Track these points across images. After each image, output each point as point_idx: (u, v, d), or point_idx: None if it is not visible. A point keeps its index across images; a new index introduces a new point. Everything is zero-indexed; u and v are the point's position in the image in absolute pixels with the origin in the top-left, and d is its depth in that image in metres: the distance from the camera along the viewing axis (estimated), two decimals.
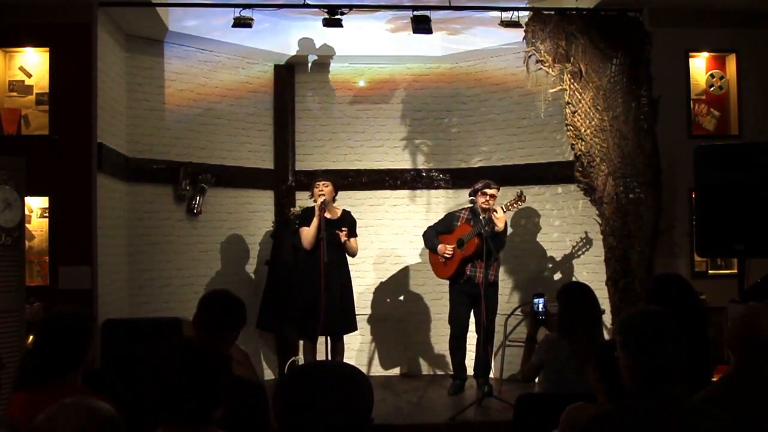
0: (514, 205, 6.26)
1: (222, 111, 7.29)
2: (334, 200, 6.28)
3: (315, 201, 6.13)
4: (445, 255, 6.29)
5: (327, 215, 6.09)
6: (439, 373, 7.41)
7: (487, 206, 6.16)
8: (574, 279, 6.79)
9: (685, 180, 5.85)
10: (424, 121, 7.79)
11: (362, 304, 7.31)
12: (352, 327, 6.37)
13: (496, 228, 6.06)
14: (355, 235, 6.30)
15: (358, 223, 6.38)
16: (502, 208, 6.14)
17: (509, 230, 6.72)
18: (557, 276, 7.04)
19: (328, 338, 6.10)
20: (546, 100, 6.35)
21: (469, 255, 6.17)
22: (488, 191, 6.19)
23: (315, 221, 6.06)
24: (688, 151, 5.46)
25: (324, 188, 6.15)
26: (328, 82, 7.79)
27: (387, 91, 7.80)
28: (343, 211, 6.34)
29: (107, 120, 6.00)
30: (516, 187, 6.47)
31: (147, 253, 6.67)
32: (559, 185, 7.06)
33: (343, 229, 6.10)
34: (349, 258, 6.34)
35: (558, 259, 7.06)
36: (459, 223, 6.41)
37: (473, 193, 6.27)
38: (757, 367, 2.73)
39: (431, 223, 6.72)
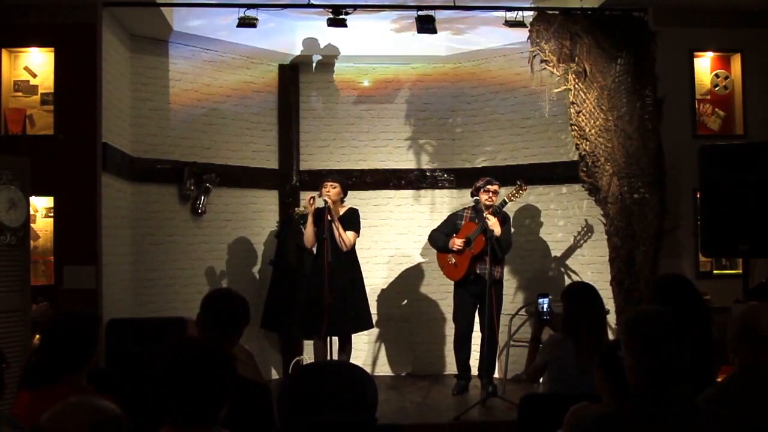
0: (516, 195, 6.26)
1: (226, 111, 7.30)
2: (342, 201, 6.28)
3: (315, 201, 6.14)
4: (455, 247, 6.28)
5: (328, 217, 6.06)
6: (444, 373, 7.41)
7: (490, 203, 6.17)
8: (578, 279, 6.78)
9: (689, 180, 5.84)
10: (429, 120, 7.79)
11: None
12: (362, 326, 6.35)
13: (494, 234, 6.05)
14: (354, 230, 6.22)
15: (363, 223, 6.36)
16: (494, 213, 6.13)
17: (512, 229, 6.70)
18: (562, 276, 7.03)
19: (335, 338, 6.12)
20: (550, 99, 6.36)
21: (478, 253, 6.16)
22: (490, 188, 6.20)
23: (310, 219, 6.11)
24: (692, 151, 5.45)
25: (331, 189, 6.15)
26: (332, 82, 7.78)
27: (391, 90, 7.80)
28: (348, 208, 6.32)
29: (112, 120, 6.01)
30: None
31: (151, 252, 6.68)
32: (563, 185, 7.05)
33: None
34: (358, 258, 6.34)
35: (562, 259, 7.05)
36: (464, 222, 6.42)
37: (475, 191, 6.28)
38: (759, 367, 2.72)
39: (434, 225, 6.72)
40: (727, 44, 6.39)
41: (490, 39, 7.28)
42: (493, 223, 6.07)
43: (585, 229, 6.86)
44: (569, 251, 7.01)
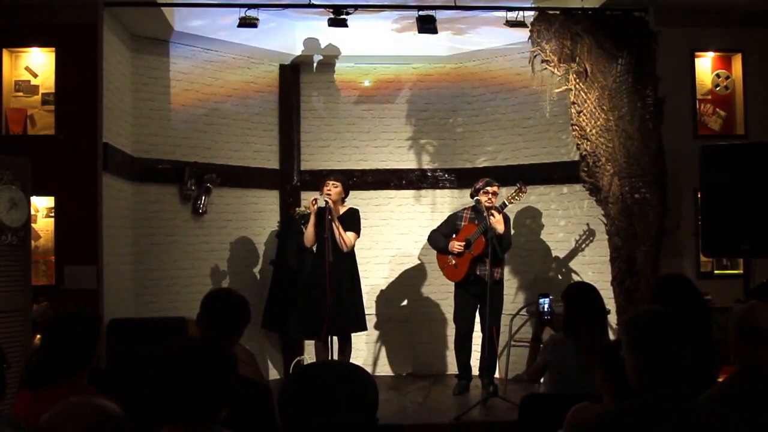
0: (516, 197, 6.26)
1: (227, 111, 7.30)
2: (343, 200, 6.27)
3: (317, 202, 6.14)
4: (455, 250, 6.27)
5: (328, 216, 6.05)
6: (445, 373, 7.40)
7: (490, 204, 6.16)
8: (579, 279, 6.78)
9: (690, 180, 5.83)
10: (429, 120, 7.79)
11: (368, 304, 7.26)
12: (360, 327, 6.35)
13: (496, 232, 6.05)
14: (354, 231, 6.21)
15: (363, 223, 6.36)
16: (497, 210, 6.14)
17: (512, 230, 6.70)
18: (562, 276, 7.03)
19: (336, 338, 6.12)
20: (551, 99, 6.35)
21: (478, 254, 6.16)
22: (490, 189, 6.20)
23: (312, 219, 6.12)
24: (693, 151, 5.44)
25: (333, 188, 6.14)
26: (333, 82, 7.78)
27: (392, 90, 7.80)
28: (348, 208, 6.32)
29: (113, 120, 6.01)
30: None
31: (152, 252, 6.68)
32: (564, 185, 7.04)
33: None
34: (356, 257, 6.33)
35: (563, 259, 7.05)
36: (463, 223, 6.42)
37: (475, 193, 6.27)
38: (759, 366, 2.72)
39: (435, 225, 6.73)
40: (728, 44, 6.39)
41: (491, 39, 7.28)
42: (497, 221, 6.06)
43: (587, 233, 6.84)
44: (570, 252, 7.00)
